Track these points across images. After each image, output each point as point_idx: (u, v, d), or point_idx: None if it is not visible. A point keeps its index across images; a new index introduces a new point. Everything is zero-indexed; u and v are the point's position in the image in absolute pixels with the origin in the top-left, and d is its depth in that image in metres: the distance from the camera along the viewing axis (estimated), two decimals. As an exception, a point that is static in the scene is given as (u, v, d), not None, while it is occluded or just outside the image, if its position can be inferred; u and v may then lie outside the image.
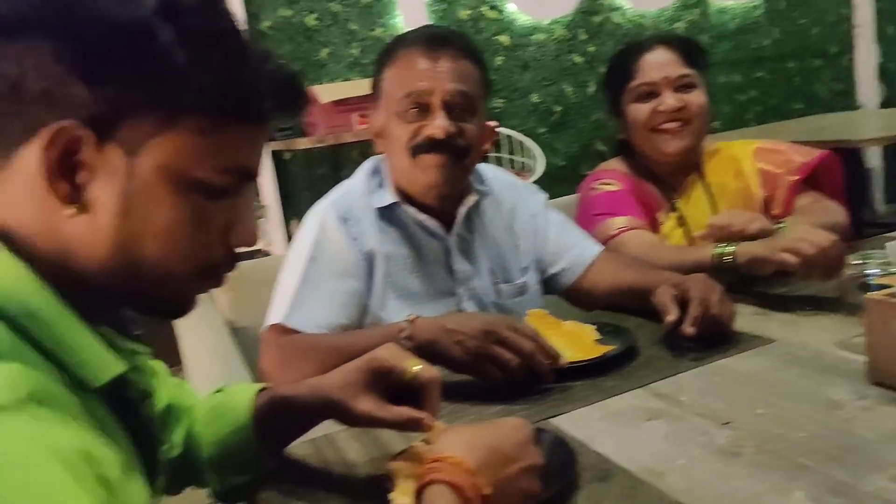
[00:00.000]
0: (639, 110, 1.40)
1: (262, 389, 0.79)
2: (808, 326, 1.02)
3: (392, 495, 0.66)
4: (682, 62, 1.40)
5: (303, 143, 2.72)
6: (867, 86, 4.28)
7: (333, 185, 1.25)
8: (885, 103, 4.26)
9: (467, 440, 0.61)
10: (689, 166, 1.44)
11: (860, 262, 0.91)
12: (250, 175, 0.58)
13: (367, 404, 0.71)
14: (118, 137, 0.51)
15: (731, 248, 1.15)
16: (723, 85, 3.77)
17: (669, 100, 1.37)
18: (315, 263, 1.12)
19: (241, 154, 0.56)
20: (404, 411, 0.71)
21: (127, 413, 0.58)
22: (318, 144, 2.72)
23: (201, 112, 0.53)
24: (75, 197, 0.51)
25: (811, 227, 1.12)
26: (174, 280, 0.56)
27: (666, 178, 1.44)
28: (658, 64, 1.39)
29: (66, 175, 0.51)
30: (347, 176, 1.24)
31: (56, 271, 0.53)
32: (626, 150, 1.49)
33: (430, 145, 1.10)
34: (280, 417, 0.76)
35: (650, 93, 1.39)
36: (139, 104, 0.51)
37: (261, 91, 0.56)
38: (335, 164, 2.96)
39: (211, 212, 0.56)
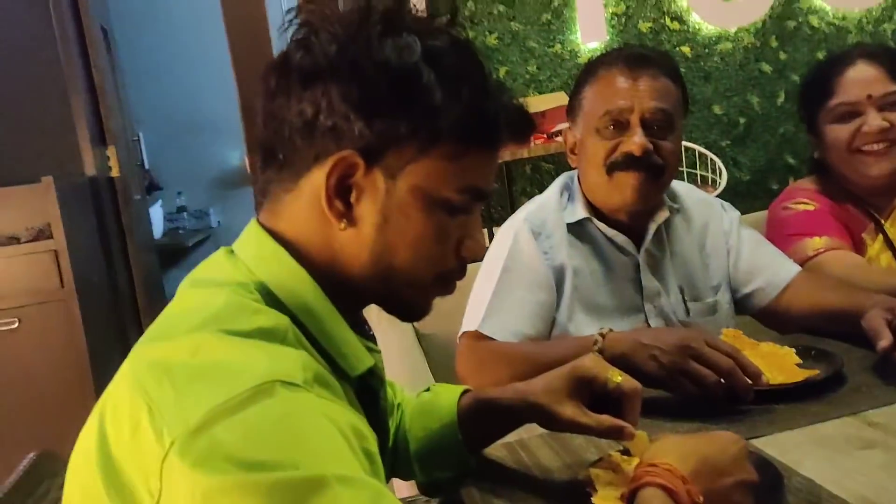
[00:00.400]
0: (839, 132, 1.32)
1: (466, 391, 0.85)
2: None
3: (595, 499, 0.70)
4: (889, 78, 1.30)
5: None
6: None
7: (507, 199, 1.31)
8: None
9: (681, 449, 0.63)
10: (894, 185, 1.33)
11: None
12: (484, 195, 0.66)
13: (571, 410, 0.76)
14: (383, 164, 0.61)
15: None
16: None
17: (874, 120, 1.27)
18: (508, 274, 1.18)
19: (479, 176, 0.65)
20: (607, 419, 0.74)
21: (368, 403, 0.67)
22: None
23: (452, 140, 0.61)
24: (347, 214, 0.62)
25: None
26: (417, 285, 0.65)
27: (869, 199, 1.35)
28: (861, 81, 1.30)
29: (341, 196, 0.62)
30: (520, 190, 1.29)
31: (326, 276, 0.63)
32: (821, 170, 1.40)
33: (627, 162, 1.13)
34: (484, 418, 0.82)
35: (852, 112, 1.30)
36: (403, 135, 0.60)
37: (499, 120, 0.64)
38: (508, 178, 3.04)
39: (450, 227, 0.64)
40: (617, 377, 0.77)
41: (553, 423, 0.78)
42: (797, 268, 1.24)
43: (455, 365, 1.15)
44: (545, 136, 2.77)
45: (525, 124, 0.68)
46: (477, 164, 0.64)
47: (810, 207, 1.37)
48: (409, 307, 0.69)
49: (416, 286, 0.66)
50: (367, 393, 0.68)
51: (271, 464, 0.46)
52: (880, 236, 1.33)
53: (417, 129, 0.60)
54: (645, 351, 0.92)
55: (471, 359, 1.12)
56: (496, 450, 0.87)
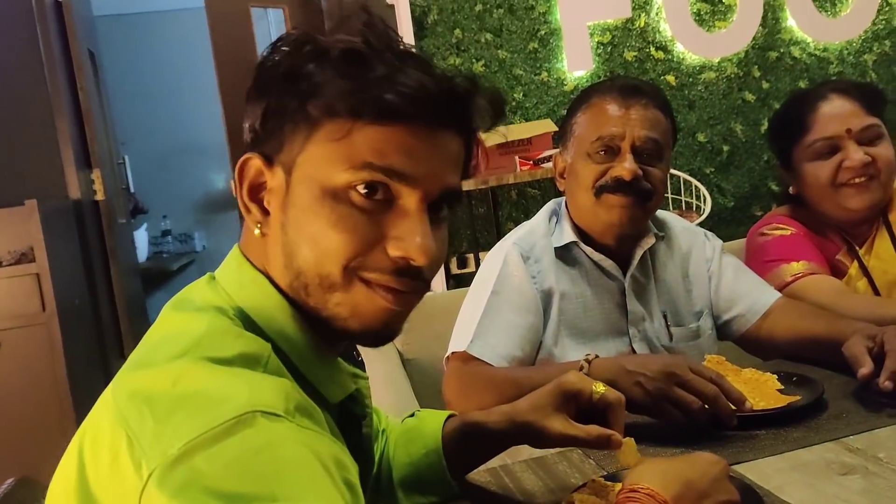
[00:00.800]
0: (819, 169, 1.30)
1: (451, 416, 0.85)
2: None
3: None
4: (864, 111, 1.29)
5: (467, 185, 2.85)
6: None
7: (492, 225, 1.32)
8: None
9: (663, 472, 0.63)
10: (873, 216, 1.34)
11: None
12: (400, 177, 0.59)
13: (559, 424, 0.76)
14: (280, 160, 0.61)
15: None
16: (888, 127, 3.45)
17: (856, 154, 1.26)
18: (497, 297, 1.19)
19: (377, 153, 0.58)
20: (595, 428, 0.75)
21: (350, 430, 0.66)
22: (481, 186, 2.84)
23: (332, 118, 0.59)
24: (265, 221, 0.62)
25: None
26: (328, 285, 0.59)
27: (846, 229, 1.36)
28: (838, 115, 1.29)
29: (258, 202, 0.63)
30: (505, 215, 1.31)
31: (295, 300, 0.62)
32: (795, 202, 1.41)
33: (616, 186, 1.14)
34: (470, 442, 0.82)
35: (831, 147, 1.29)
36: (288, 124, 0.60)
37: (388, 90, 0.57)
38: (494, 203, 3.06)
39: (358, 219, 0.59)
40: (601, 388, 0.78)
41: (542, 439, 0.78)
42: (777, 294, 1.25)
43: (440, 389, 1.14)
44: (531, 162, 2.81)
45: (443, 97, 0.59)
46: (371, 139, 0.58)
47: (786, 232, 1.37)
48: (347, 322, 0.61)
49: (328, 287, 0.59)
50: (350, 419, 0.67)
51: (250, 496, 0.46)
52: (855, 262, 1.34)
53: (296, 113, 0.60)
54: (630, 377, 0.92)
55: (457, 382, 1.12)
56: (480, 475, 0.87)
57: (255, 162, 0.62)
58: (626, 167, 1.13)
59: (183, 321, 0.60)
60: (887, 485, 0.73)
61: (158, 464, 0.47)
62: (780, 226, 1.39)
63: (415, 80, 0.58)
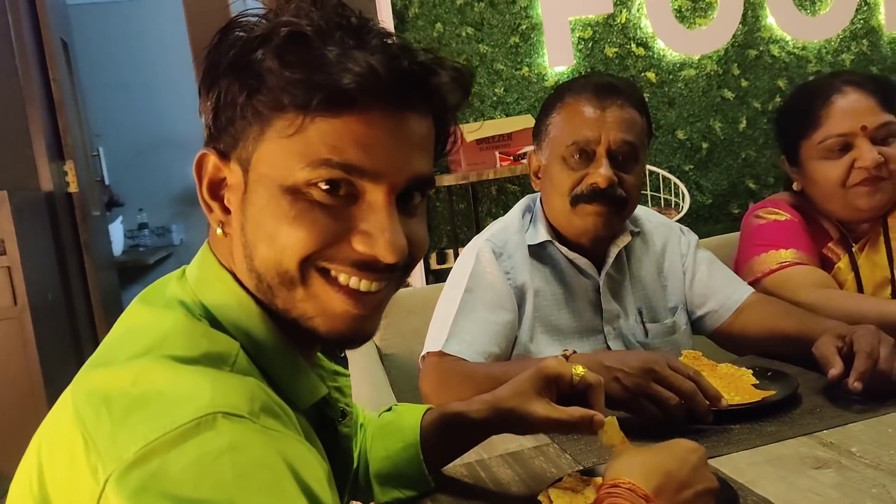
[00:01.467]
0: (830, 169, 1.25)
1: (429, 409, 0.84)
2: None
3: None
4: (881, 107, 1.23)
5: (447, 180, 2.84)
6: None
7: (472, 220, 1.31)
8: None
9: (643, 465, 0.62)
10: (876, 217, 1.31)
11: None
12: (360, 172, 0.55)
13: (542, 408, 0.76)
14: (237, 156, 0.58)
15: None
16: None
17: (870, 154, 1.20)
18: (471, 294, 1.18)
19: (332, 148, 0.54)
20: (577, 409, 0.75)
21: (326, 431, 0.65)
22: (461, 181, 2.83)
23: (281, 114, 0.55)
24: (228, 220, 0.60)
25: None
26: (287, 282, 0.56)
27: (846, 225, 1.33)
28: (853, 111, 1.22)
29: (219, 199, 0.60)
30: (485, 211, 1.30)
31: (263, 300, 0.60)
32: (798, 194, 1.37)
33: (592, 194, 1.14)
34: (450, 433, 0.81)
35: (843, 145, 1.24)
36: (240, 118, 0.57)
37: (341, 79, 0.53)
38: (474, 199, 3.06)
39: (318, 215, 0.55)
40: (580, 370, 0.78)
41: (526, 425, 0.77)
42: (749, 290, 1.25)
43: (418, 384, 1.14)
44: (511, 158, 2.80)
45: (394, 79, 0.54)
46: (324, 133, 0.54)
47: (781, 218, 1.35)
48: (313, 322, 0.58)
49: (288, 284, 0.56)
50: (324, 420, 0.66)
51: (208, 502, 0.44)
52: (846, 257, 1.32)
53: (245, 109, 0.56)
54: (608, 373, 0.91)
55: (434, 378, 1.11)
56: (456, 469, 0.86)
57: (211, 158, 0.59)
58: (601, 174, 1.12)
59: (149, 316, 0.58)
60: (860, 478, 0.73)
61: (114, 468, 0.46)
62: (777, 210, 1.37)
63: (364, 62, 0.53)
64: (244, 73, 0.56)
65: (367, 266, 0.57)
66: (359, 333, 0.60)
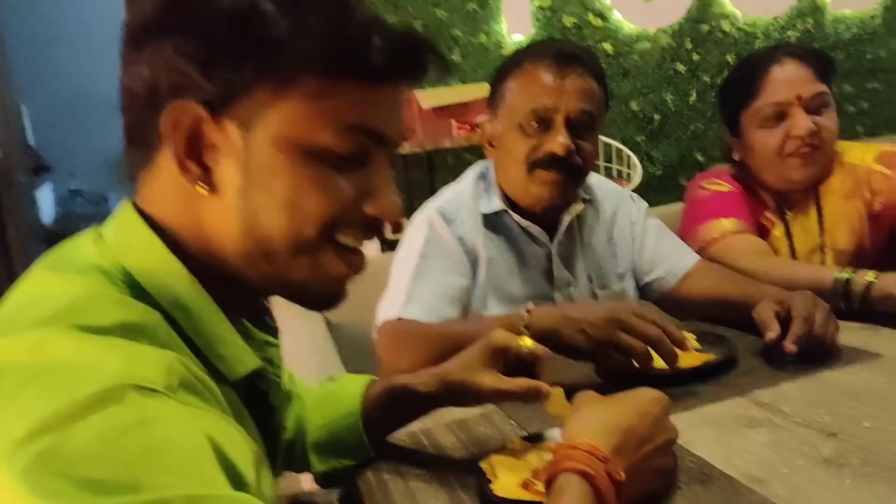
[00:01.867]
0: (767, 138, 1.30)
1: (372, 381, 0.83)
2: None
3: (494, 486, 0.70)
4: (816, 78, 1.28)
5: (403, 149, 2.82)
6: None
7: (428, 190, 1.31)
8: None
9: (602, 424, 0.61)
10: (809, 186, 1.37)
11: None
12: (379, 139, 0.57)
13: (490, 379, 0.76)
14: (234, 114, 0.53)
15: (866, 278, 1.09)
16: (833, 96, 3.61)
17: (803, 122, 1.26)
18: (427, 260, 1.17)
19: (364, 114, 0.55)
20: (524, 381, 0.75)
21: (257, 402, 0.62)
22: (416, 150, 2.79)
23: (310, 76, 0.53)
24: (206, 179, 0.54)
25: None
26: (303, 250, 0.55)
27: (782, 193, 1.39)
28: (790, 81, 1.27)
29: (195, 157, 0.54)
30: (441, 180, 1.30)
31: (203, 264, 0.56)
32: (739, 165, 1.43)
33: (549, 162, 1.13)
34: (395, 405, 0.80)
35: (779, 114, 1.29)
36: (249, 78, 0.52)
37: (369, 48, 0.53)
38: (430, 168, 3.04)
39: (337, 180, 0.55)
40: (528, 342, 0.78)
41: (473, 397, 0.78)
42: (696, 258, 1.29)
43: (368, 354, 1.13)
44: (468, 126, 2.79)
45: (411, 53, 0.56)
46: (356, 100, 0.54)
47: (724, 189, 1.40)
48: (306, 287, 0.58)
49: (298, 252, 0.55)
50: (254, 392, 0.62)
51: (109, 484, 0.40)
52: (782, 225, 1.39)
53: (262, 68, 0.52)
54: (573, 324, 0.91)
55: (392, 342, 1.10)
56: (397, 438, 0.86)
57: (194, 112, 0.52)
58: (560, 142, 1.12)
59: (57, 283, 0.52)
60: (791, 436, 0.77)
61: (4, 448, 0.41)
62: (719, 181, 1.41)
63: (396, 36, 0.54)
64: (257, 24, 0.52)
65: (373, 228, 0.58)
66: (344, 293, 0.61)
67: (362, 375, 0.86)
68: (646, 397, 0.65)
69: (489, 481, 0.71)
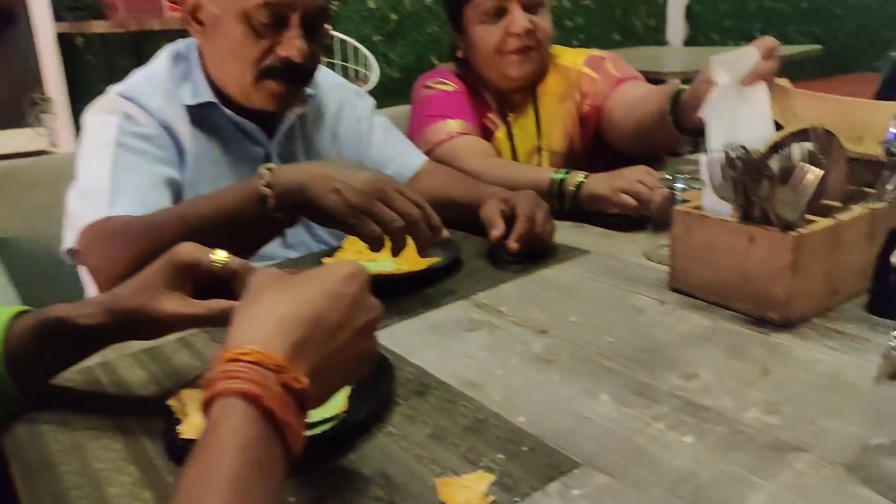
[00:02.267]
0: (488, 34, 1.32)
1: (21, 313, 0.65)
2: (620, 239, 1.07)
3: (181, 428, 0.59)
4: None
5: (99, 27, 2.37)
6: (675, 24, 4.60)
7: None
8: (689, 41, 4.61)
9: (280, 317, 0.46)
10: (527, 86, 1.42)
11: (670, 177, 0.95)
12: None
13: (172, 303, 0.62)
14: None
15: (577, 179, 1.14)
16: (552, 9, 3.85)
17: (520, 20, 1.30)
18: (125, 148, 0.97)
19: None
20: (219, 302, 0.62)
21: None
22: (118, 29, 2.40)
23: None
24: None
25: (649, 171, 1.09)
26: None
27: (502, 93, 1.43)
28: None
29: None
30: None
31: None
32: (462, 65, 1.43)
33: (282, 70, 1.00)
34: (51, 344, 0.64)
35: (498, 10, 1.31)
36: None
37: None
38: (138, 54, 2.63)
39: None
40: (222, 256, 0.64)
41: (153, 327, 0.63)
42: (424, 158, 1.26)
43: (48, 275, 0.97)
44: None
45: None
46: None
47: (449, 89, 1.40)
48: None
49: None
50: None
51: None
52: (504, 127, 1.42)
53: None
54: (327, 183, 0.79)
55: (106, 245, 0.88)
56: (66, 377, 0.69)
57: None
58: (298, 47, 0.99)
59: None
60: (507, 336, 0.76)
61: None
62: (445, 81, 1.41)
63: None
64: None
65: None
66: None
67: (8, 306, 0.66)
68: (338, 274, 0.51)
69: (178, 422, 0.60)
